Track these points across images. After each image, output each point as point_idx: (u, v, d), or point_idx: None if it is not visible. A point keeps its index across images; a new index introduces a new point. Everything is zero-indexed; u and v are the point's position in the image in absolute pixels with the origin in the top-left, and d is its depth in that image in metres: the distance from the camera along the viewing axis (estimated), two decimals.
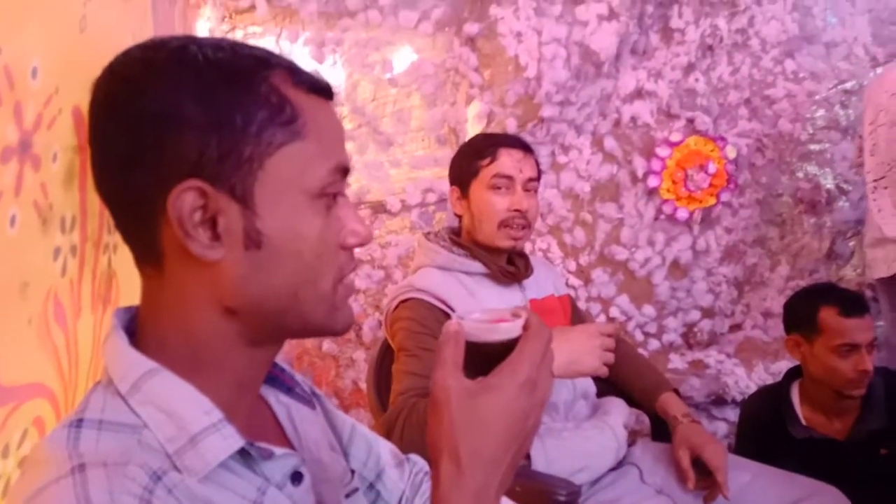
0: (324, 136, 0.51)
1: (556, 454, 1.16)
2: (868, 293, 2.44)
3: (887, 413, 1.48)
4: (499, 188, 1.30)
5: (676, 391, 1.41)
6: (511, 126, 2.24)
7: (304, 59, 2.18)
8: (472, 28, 2.19)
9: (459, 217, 1.40)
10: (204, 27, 2.16)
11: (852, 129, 2.40)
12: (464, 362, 0.50)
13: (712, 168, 2.37)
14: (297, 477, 0.52)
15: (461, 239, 1.38)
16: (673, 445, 1.26)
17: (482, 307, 1.27)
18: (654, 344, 2.52)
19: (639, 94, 2.34)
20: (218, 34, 2.16)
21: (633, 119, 2.37)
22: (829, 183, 2.44)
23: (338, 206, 0.52)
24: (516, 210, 1.30)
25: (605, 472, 1.23)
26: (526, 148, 1.36)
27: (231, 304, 0.49)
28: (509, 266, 1.35)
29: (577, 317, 1.50)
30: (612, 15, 2.14)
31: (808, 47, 2.34)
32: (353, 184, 2.28)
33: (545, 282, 1.42)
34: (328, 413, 0.69)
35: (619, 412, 1.30)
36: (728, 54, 2.33)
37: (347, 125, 2.26)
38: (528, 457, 1.16)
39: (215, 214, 0.47)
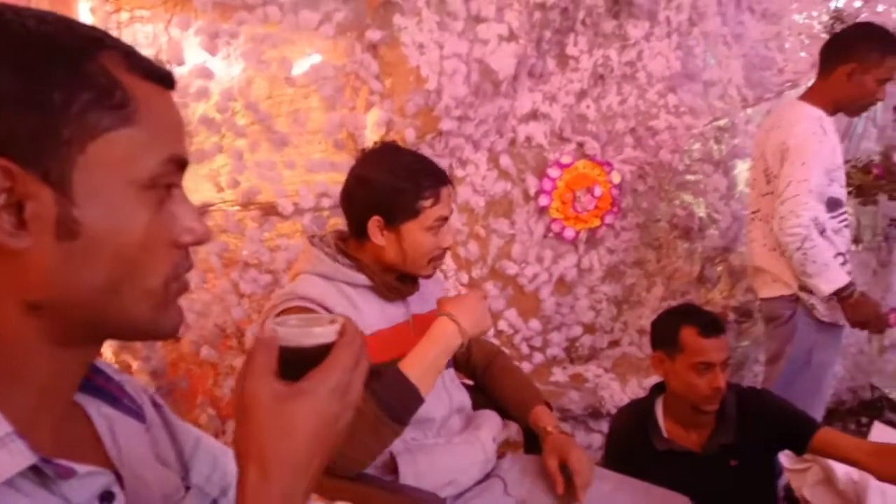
0: (158, 124, 0.48)
1: (426, 469, 1.16)
2: (731, 315, 2.65)
3: (738, 427, 1.59)
4: (437, 228, 1.29)
5: (548, 405, 1.45)
6: (410, 137, 2.25)
7: (194, 49, 2.08)
8: (374, 35, 2.17)
9: (359, 241, 1.32)
10: (84, 8, 2.01)
11: (724, 163, 2.61)
12: (279, 367, 0.51)
13: (598, 191, 2.49)
14: (107, 497, 0.48)
15: (349, 247, 1.34)
16: (543, 455, 1.30)
17: (366, 321, 1.26)
18: (538, 357, 2.60)
19: (534, 115, 2.42)
20: (100, 15, 2.02)
21: (528, 139, 2.45)
22: (701, 211, 2.63)
23: (172, 200, 0.50)
24: (445, 248, 1.33)
25: (472, 484, 1.24)
26: (452, 182, 1.36)
27: (36, 298, 0.45)
28: (396, 281, 1.34)
29: None
30: (512, 37, 2.21)
31: (688, 84, 2.53)
32: (244, 183, 2.20)
33: (430, 296, 1.42)
34: (170, 425, 0.65)
35: (490, 426, 1.32)
36: (617, 85, 2.46)
37: (240, 121, 2.18)
38: (395, 471, 1.15)
39: (23, 198, 0.43)
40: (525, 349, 2.60)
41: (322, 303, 1.22)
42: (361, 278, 1.30)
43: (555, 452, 1.28)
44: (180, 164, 0.50)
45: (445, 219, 1.30)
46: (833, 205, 1.89)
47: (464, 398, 1.39)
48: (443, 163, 2.34)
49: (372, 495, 1.08)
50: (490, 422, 1.34)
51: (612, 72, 2.43)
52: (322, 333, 0.52)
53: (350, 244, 1.35)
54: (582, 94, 2.44)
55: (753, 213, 2.10)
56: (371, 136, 2.22)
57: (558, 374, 2.61)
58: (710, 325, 1.53)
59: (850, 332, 2.95)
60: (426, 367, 1.16)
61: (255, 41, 2.12)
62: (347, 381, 0.51)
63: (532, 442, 1.52)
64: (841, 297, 1.87)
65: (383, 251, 1.29)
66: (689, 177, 2.61)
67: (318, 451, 0.49)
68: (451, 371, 1.41)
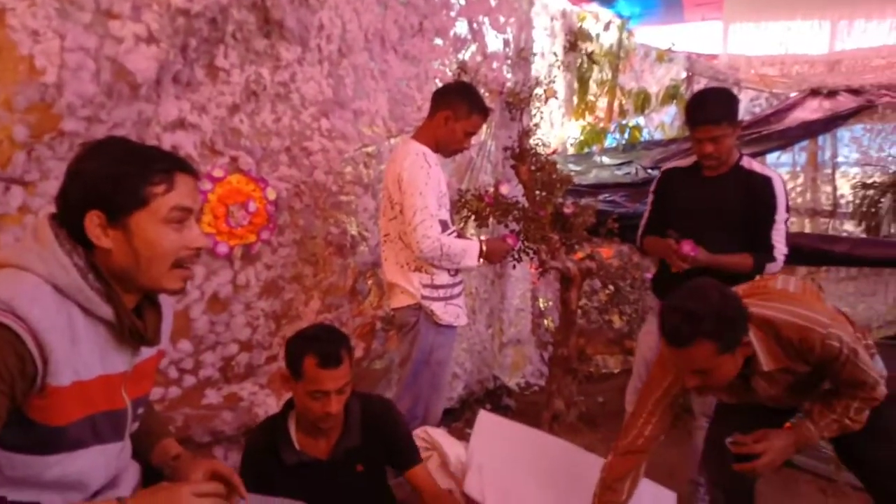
0: None
1: None
2: (379, 324, 2.90)
3: (362, 433, 1.73)
4: (177, 222, 1.08)
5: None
6: (20, 135, 1.93)
7: None
8: None
9: (92, 248, 1.06)
10: None
11: (372, 186, 2.85)
12: None
13: (253, 207, 2.49)
14: None
15: (97, 261, 1.06)
16: (185, 474, 1.23)
17: (78, 363, 1.02)
18: (189, 380, 2.46)
19: (181, 124, 2.30)
20: None
21: (175, 149, 2.30)
22: (353, 230, 2.82)
23: None
24: (196, 248, 1.11)
25: None
26: (195, 172, 1.15)
27: None
28: (139, 319, 1.11)
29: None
30: (152, 39, 2.06)
31: (339, 111, 2.69)
32: None
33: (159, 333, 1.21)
34: None
35: (128, 483, 1.21)
36: (272, 103, 2.49)
37: None
38: None
39: None
40: (174, 373, 2.43)
41: (35, 329, 0.95)
42: (106, 311, 1.05)
43: (198, 468, 1.22)
44: None
45: (188, 211, 1.10)
46: (442, 226, 2.23)
47: (132, 472, 1.25)
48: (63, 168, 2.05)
49: None
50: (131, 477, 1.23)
51: (265, 89, 2.45)
52: None
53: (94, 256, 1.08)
54: (234, 108, 2.41)
55: (385, 236, 2.35)
56: None
57: (212, 396, 2.51)
58: (329, 357, 1.60)
59: (476, 333, 3.49)
60: None
61: None
62: None
63: (150, 481, 1.43)
64: (481, 257, 2.30)
65: (111, 257, 1.06)
66: (343, 197, 2.77)
67: None
68: (129, 445, 1.23)
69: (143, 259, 1.07)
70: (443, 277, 2.28)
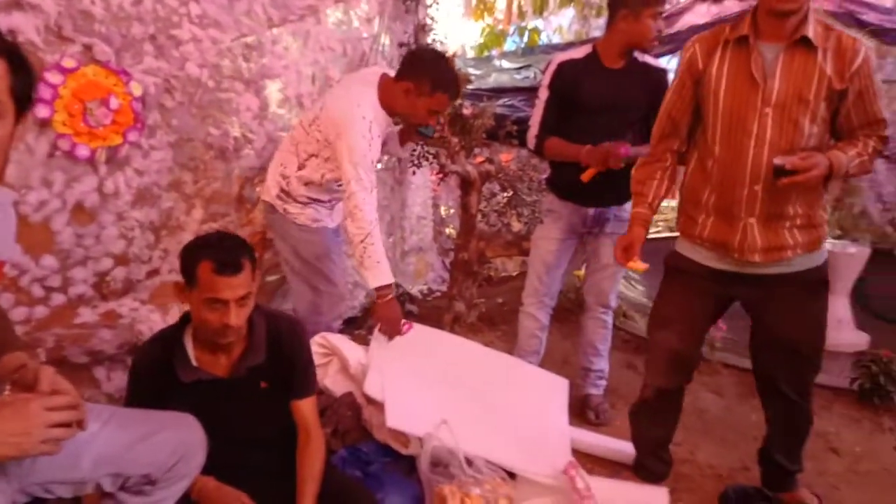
0: None
1: None
2: (270, 234, 2.75)
3: (267, 349, 1.61)
4: None
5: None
6: None
7: None
8: None
9: None
10: None
11: (254, 82, 2.60)
12: None
13: (115, 103, 2.20)
14: None
15: None
16: (29, 386, 1.07)
17: None
18: (58, 298, 2.24)
19: (18, 4, 1.96)
20: None
21: (13, 34, 1.97)
22: (236, 131, 2.59)
23: None
24: None
25: None
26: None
27: None
28: None
29: None
30: None
31: None
32: None
33: None
34: None
35: None
36: None
37: None
38: None
39: None
40: (39, 291, 2.20)
41: None
42: None
43: (44, 378, 1.06)
44: None
45: None
46: None
47: None
48: None
49: None
50: None
51: None
52: None
53: None
54: None
55: (292, 128, 2.35)
56: None
57: (86, 315, 2.30)
58: (226, 264, 1.46)
59: None
60: None
61: None
62: None
63: None
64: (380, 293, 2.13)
65: None
66: (221, 94, 2.52)
67: None
68: None
69: None
70: (297, 189, 2.25)
